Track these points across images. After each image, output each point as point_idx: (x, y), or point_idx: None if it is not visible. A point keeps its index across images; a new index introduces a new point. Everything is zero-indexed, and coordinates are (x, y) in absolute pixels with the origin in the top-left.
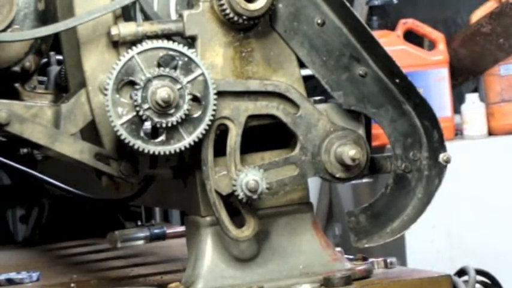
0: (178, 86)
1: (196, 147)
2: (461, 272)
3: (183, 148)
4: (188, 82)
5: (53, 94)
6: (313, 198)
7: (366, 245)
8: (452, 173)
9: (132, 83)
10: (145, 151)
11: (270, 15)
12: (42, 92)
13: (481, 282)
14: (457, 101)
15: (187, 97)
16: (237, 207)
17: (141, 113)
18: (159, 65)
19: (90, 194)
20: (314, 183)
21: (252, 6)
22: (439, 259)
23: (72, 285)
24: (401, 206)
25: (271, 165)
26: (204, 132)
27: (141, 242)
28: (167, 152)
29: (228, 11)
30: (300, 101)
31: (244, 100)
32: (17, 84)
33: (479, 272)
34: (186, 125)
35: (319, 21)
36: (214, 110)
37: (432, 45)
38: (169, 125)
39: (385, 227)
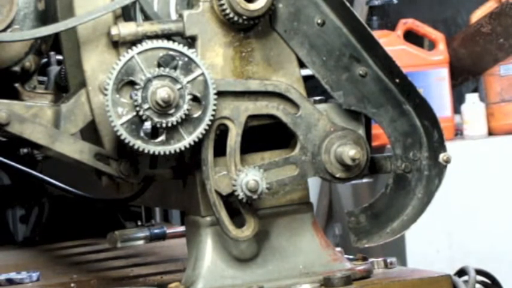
0: (178, 86)
1: (196, 147)
2: (461, 272)
3: (183, 148)
4: (188, 82)
5: (53, 94)
6: (313, 198)
7: (366, 245)
8: (452, 173)
9: (132, 83)
10: (146, 151)
11: (270, 15)
12: (42, 92)
13: (481, 282)
14: (457, 101)
15: (187, 97)
16: (237, 207)
17: (141, 113)
18: (159, 65)
19: (90, 194)
20: (314, 183)
21: (252, 6)
22: (439, 259)
23: (72, 285)
24: (401, 206)
25: (271, 165)
26: (204, 132)
27: (141, 242)
28: (167, 152)
29: (228, 11)
30: (300, 101)
31: (244, 100)
32: (17, 84)
33: (479, 272)
34: (186, 125)
35: (319, 21)
36: (214, 110)
37: (432, 45)
38: (169, 125)
39: (385, 227)
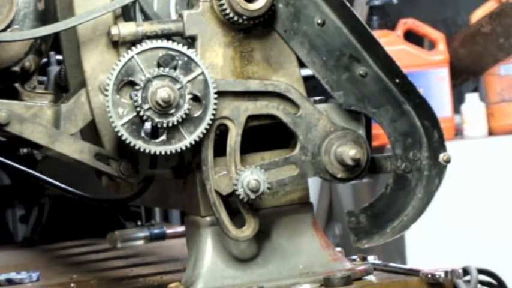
0: (179, 86)
1: (197, 147)
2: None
3: (184, 148)
4: (188, 82)
5: (53, 94)
6: (313, 198)
7: (366, 245)
8: (452, 173)
9: (132, 83)
10: (147, 151)
11: (270, 15)
12: (42, 92)
13: (485, 283)
14: (457, 101)
15: (188, 97)
16: (237, 207)
17: (141, 113)
18: (159, 65)
19: (90, 194)
20: (314, 183)
21: (252, 6)
22: (439, 259)
23: (72, 285)
24: (401, 206)
25: (271, 165)
26: (204, 131)
27: (141, 242)
28: (168, 152)
29: (228, 11)
30: (300, 101)
31: (244, 100)
32: (17, 84)
33: (483, 272)
34: (187, 124)
35: (319, 21)
36: (214, 110)
37: (432, 45)
38: (170, 124)
39: (385, 227)
